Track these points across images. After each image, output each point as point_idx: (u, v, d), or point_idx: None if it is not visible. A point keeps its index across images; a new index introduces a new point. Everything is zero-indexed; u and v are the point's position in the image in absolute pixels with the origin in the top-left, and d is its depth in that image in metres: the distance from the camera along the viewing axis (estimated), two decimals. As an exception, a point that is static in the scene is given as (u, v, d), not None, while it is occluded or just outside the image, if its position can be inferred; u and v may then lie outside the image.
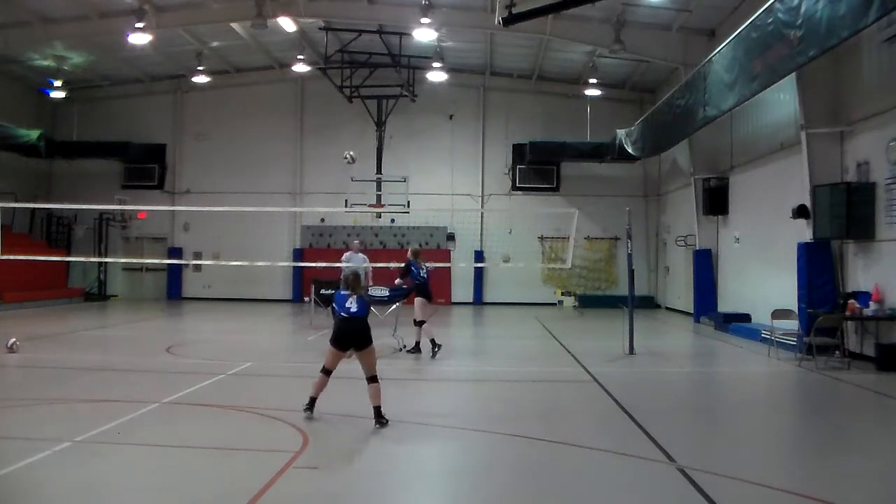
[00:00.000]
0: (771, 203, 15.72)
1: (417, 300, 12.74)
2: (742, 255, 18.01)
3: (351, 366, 7.67)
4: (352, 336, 7.53)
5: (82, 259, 24.03)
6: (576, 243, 20.45)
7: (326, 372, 7.59)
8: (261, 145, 26.71)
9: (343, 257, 16.44)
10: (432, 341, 12.42)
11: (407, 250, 13.84)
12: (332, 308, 7.82)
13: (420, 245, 15.18)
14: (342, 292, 7.74)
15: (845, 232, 12.45)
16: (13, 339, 12.07)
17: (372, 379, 7.49)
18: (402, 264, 13.46)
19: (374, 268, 16.91)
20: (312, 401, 7.56)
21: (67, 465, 5.99)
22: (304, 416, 7.47)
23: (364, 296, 7.88)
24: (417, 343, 12.69)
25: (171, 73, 26.22)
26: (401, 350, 12.80)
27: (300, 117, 27.02)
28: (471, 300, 26.26)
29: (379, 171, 24.51)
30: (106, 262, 25.31)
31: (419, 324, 12.61)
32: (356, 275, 8.02)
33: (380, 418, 7.34)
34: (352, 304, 7.58)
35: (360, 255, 16.40)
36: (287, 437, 6.90)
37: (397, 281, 13.54)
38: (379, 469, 6.23)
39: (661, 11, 18.57)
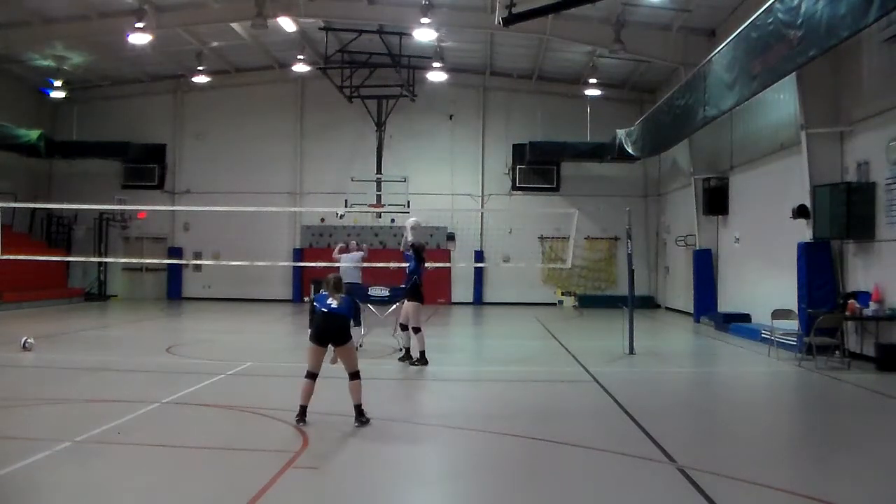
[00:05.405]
0: (771, 203, 15.71)
1: (411, 304, 11.52)
2: (742, 255, 18.01)
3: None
4: (330, 331, 7.40)
5: (82, 259, 23.99)
6: (576, 243, 20.42)
7: (311, 376, 7.38)
8: (261, 145, 26.69)
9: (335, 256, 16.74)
10: (422, 353, 11.46)
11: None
12: (313, 307, 7.71)
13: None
14: (324, 293, 7.64)
15: (845, 232, 12.45)
16: (27, 338, 12.10)
17: (353, 375, 7.44)
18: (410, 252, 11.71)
19: (374, 268, 16.96)
20: (303, 409, 7.30)
21: (67, 465, 5.99)
22: (295, 424, 7.21)
23: (349, 300, 7.73)
24: (422, 353, 11.47)
25: (171, 73, 26.20)
26: (401, 355, 11.92)
27: (300, 117, 27.01)
28: (471, 300, 26.26)
29: (379, 171, 24.56)
30: (106, 262, 25.28)
31: (416, 330, 11.45)
32: (339, 279, 7.88)
33: (360, 417, 7.31)
34: (332, 301, 7.48)
35: (355, 253, 16.73)
36: (287, 437, 6.90)
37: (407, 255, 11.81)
38: (379, 469, 6.22)
39: (660, 11, 18.58)
